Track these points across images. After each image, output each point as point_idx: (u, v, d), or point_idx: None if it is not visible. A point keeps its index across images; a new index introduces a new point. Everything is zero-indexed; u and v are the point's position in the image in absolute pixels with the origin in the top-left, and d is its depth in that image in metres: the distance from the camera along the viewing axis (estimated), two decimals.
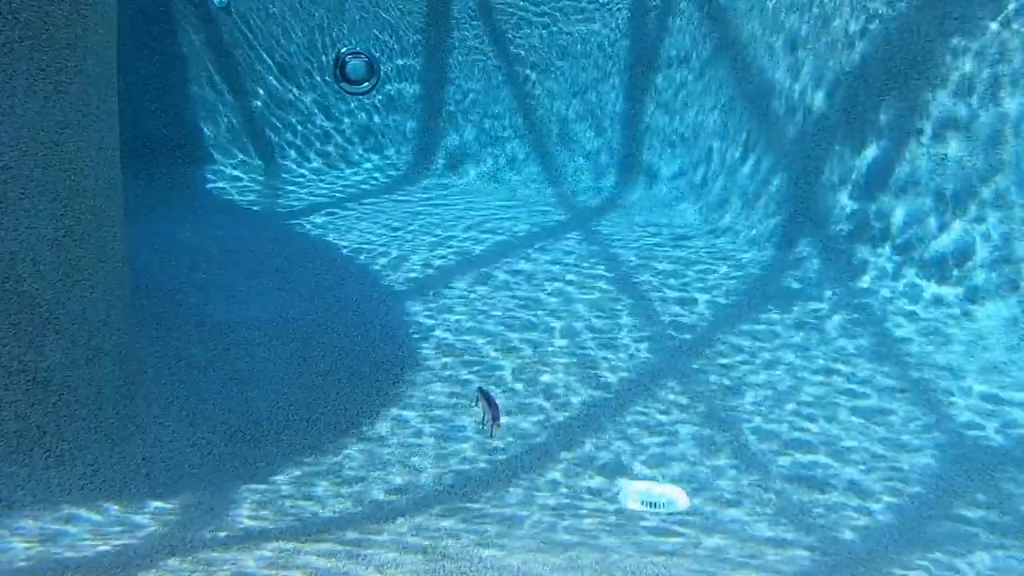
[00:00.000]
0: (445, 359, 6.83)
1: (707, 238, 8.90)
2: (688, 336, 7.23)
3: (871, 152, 7.98)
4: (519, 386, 6.58)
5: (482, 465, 5.79)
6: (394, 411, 6.26)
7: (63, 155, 5.23)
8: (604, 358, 6.90)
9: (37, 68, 5.08)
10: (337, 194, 9.97)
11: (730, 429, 6.15)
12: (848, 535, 5.22)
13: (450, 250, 8.52)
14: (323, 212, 9.41)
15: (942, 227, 7.60)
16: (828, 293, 7.75)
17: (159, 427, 5.81)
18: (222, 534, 5.00)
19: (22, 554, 4.71)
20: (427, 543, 4.88)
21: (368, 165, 10.51)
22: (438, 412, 6.28)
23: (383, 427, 6.11)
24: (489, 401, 5.86)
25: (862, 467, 5.82)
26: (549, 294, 7.74)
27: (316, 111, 10.50)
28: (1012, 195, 7.38)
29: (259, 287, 7.62)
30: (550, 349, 6.99)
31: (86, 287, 5.41)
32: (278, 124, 10.43)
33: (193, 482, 5.51)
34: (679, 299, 7.73)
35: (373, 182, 10.32)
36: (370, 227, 9.01)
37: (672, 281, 8.03)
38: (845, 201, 8.10)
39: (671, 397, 6.48)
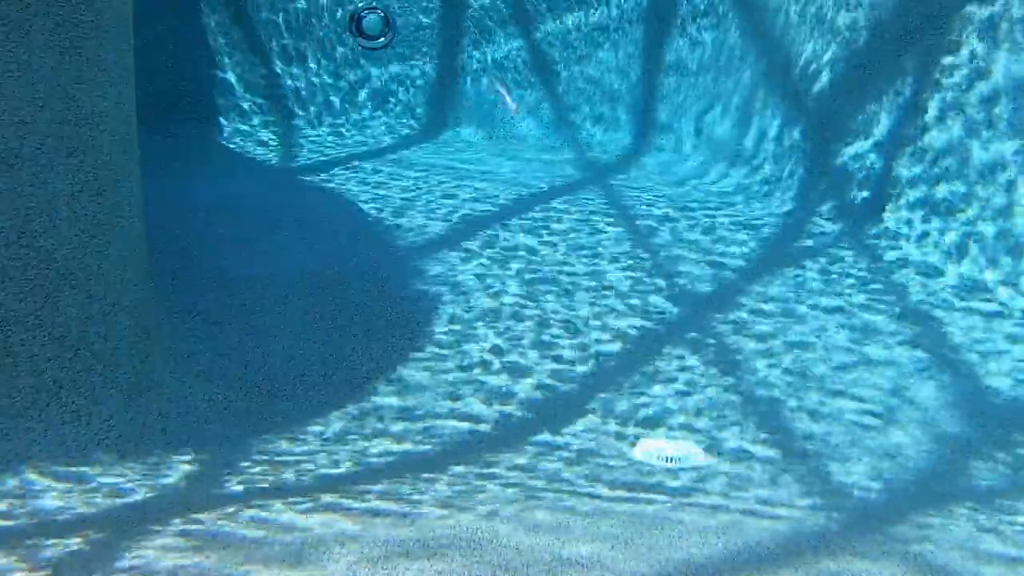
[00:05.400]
0: (463, 316, 6.83)
1: (723, 196, 8.88)
2: (706, 291, 7.23)
3: (888, 109, 7.95)
4: (535, 346, 6.58)
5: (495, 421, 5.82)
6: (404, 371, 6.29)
7: (79, 111, 5.22)
8: (623, 313, 6.90)
9: (53, 23, 5.07)
10: (354, 150, 9.95)
11: (744, 382, 6.16)
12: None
13: (469, 206, 8.50)
14: (340, 168, 9.40)
15: (959, 183, 7.57)
16: (844, 251, 7.73)
17: (175, 382, 5.82)
18: (239, 489, 5.02)
19: (37, 508, 4.73)
20: (438, 495, 4.91)
21: (386, 120, 10.49)
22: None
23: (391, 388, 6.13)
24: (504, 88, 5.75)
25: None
26: (567, 252, 7.72)
27: (334, 66, 10.48)
28: None
29: (275, 242, 7.62)
30: (570, 307, 6.98)
31: (102, 242, 5.41)
32: (295, 80, 10.41)
33: (210, 437, 5.53)
34: (696, 256, 7.72)
35: (391, 138, 10.30)
36: (387, 183, 8.99)
37: (688, 237, 8.01)
38: (862, 159, 8.07)
39: (687, 352, 6.49)
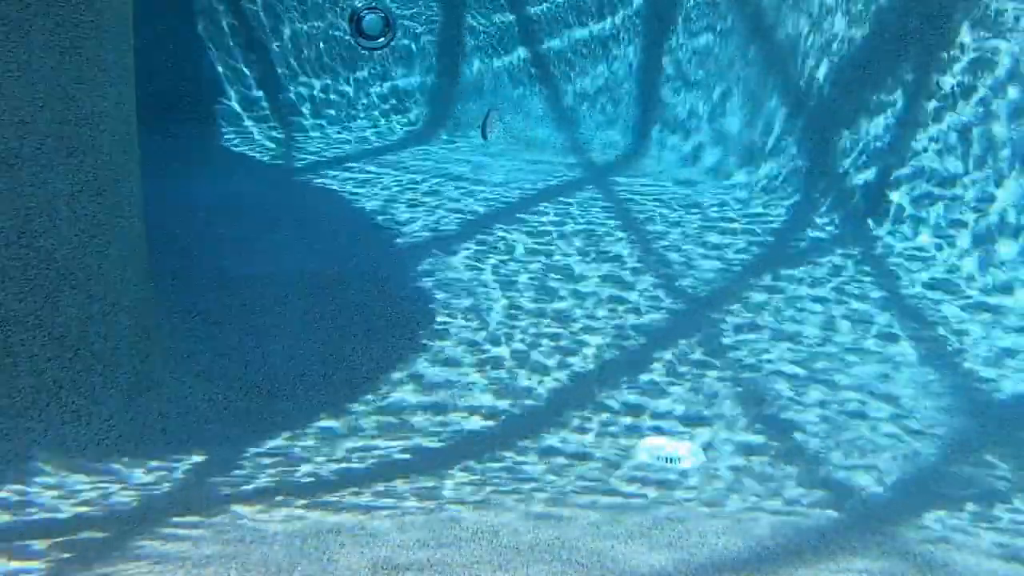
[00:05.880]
0: (461, 317, 6.83)
1: (723, 194, 8.88)
2: (705, 291, 7.23)
3: (887, 109, 7.95)
4: (540, 339, 6.58)
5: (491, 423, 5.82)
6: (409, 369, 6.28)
7: (79, 111, 5.22)
8: (622, 315, 6.89)
9: (53, 23, 5.07)
10: (354, 150, 9.95)
11: (745, 379, 6.16)
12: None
13: (470, 206, 8.50)
14: (340, 168, 9.40)
15: (959, 183, 7.57)
16: (843, 250, 7.73)
17: (175, 382, 5.82)
18: (239, 489, 5.02)
19: (37, 509, 4.73)
20: (441, 494, 4.91)
21: (385, 121, 10.49)
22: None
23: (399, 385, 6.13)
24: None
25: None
26: (566, 251, 7.72)
27: (333, 66, 10.47)
28: None
29: (275, 242, 7.63)
30: (570, 305, 6.98)
31: (102, 242, 5.41)
32: (295, 79, 10.41)
33: (209, 437, 5.52)
34: (696, 254, 7.72)
35: (390, 138, 10.31)
36: (387, 183, 8.99)
37: (687, 236, 8.01)
38: (863, 158, 8.08)
39: (688, 351, 6.49)
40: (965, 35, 7.57)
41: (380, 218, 8.20)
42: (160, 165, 8.32)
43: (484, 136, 5.80)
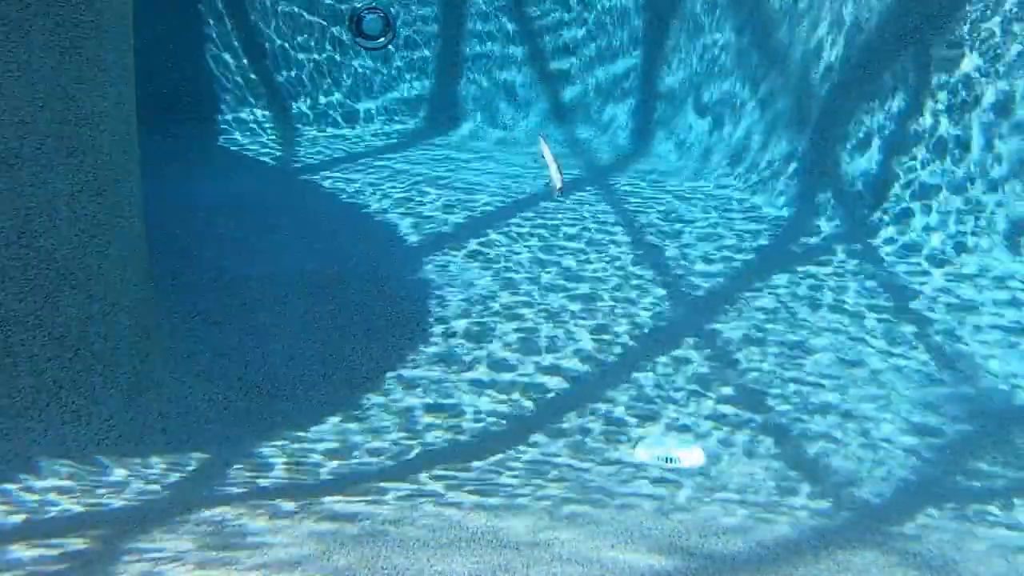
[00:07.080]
0: (461, 318, 6.84)
1: (723, 195, 8.88)
2: (705, 291, 7.23)
3: (887, 108, 7.95)
4: (542, 341, 6.58)
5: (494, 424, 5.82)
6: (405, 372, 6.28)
7: (79, 111, 5.22)
8: (624, 315, 6.89)
9: (53, 23, 5.07)
10: (353, 150, 9.95)
11: (745, 380, 6.16)
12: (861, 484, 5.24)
13: (468, 206, 8.49)
14: (339, 168, 9.40)
15: (956, 184, 7.58)
16: (843, 249, 7.73)
17: (175, 382, 5.82)
18: (238, 489, 5.02)
19: (37, 509, 4.73)
20: (442, 495, 4.91)
21: (385, 121, 10.49)
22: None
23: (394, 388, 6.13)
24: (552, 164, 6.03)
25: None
26: (568, 250, 7.72)
27: (332, 67, 10.48)
28: None
29: (275, 242, 7.62)
30: (571, 305, 6.98)
31: (102, 242, 5.41)
32: (294, 80, 10.41)
33: (209, 437, 5.52)
34: (695, 255, 7.72)
35: (390, 138, 10.30)
36: (386, 183, 8.99)
37: (688, 238, 8.01)
38: (862, 158, 8.08)
39: (688, 353, 6.49)
40: (965, 34, 7.58)
41: (379, 217, 8.20)
42: (160, 165, 8.33)
43: (559, 188, 5.80)
